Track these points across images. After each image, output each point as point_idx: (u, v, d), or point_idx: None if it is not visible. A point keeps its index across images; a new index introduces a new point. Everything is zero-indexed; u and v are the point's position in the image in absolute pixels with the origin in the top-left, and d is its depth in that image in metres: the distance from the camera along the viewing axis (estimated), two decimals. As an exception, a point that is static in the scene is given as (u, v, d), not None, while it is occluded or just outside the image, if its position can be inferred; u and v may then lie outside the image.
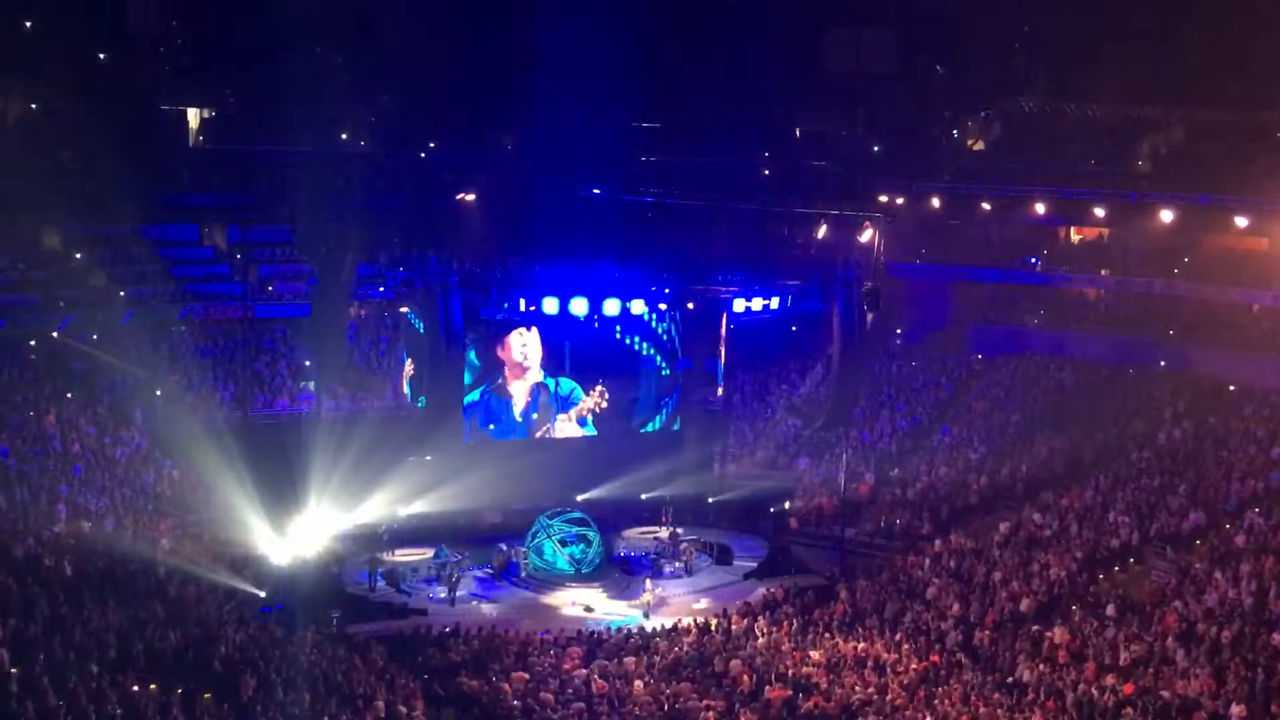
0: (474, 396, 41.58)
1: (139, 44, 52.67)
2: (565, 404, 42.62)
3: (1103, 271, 50.81)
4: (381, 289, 44.49)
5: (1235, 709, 24.63)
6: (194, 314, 44.52)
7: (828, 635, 32.11)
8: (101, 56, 51.85)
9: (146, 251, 45.36)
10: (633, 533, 41.64)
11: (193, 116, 54.36)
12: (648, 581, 37.30)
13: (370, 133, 54.23)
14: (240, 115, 53.97)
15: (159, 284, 44.31)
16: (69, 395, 39.60)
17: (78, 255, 42.96)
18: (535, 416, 42.29)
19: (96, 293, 42.05)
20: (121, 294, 42.57)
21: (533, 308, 40.65)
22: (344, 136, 52.65)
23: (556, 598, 37.40)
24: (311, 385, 43.98)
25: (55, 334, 40.56)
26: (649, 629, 33.54)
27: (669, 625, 33.58)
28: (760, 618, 33.76)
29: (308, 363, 44.74)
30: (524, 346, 41.73)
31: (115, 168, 40.42)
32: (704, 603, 37.06)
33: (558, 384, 42.48)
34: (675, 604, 36.80)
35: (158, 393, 41.34)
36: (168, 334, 43.44)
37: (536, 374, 42.15)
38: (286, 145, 47.78)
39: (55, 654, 22.59)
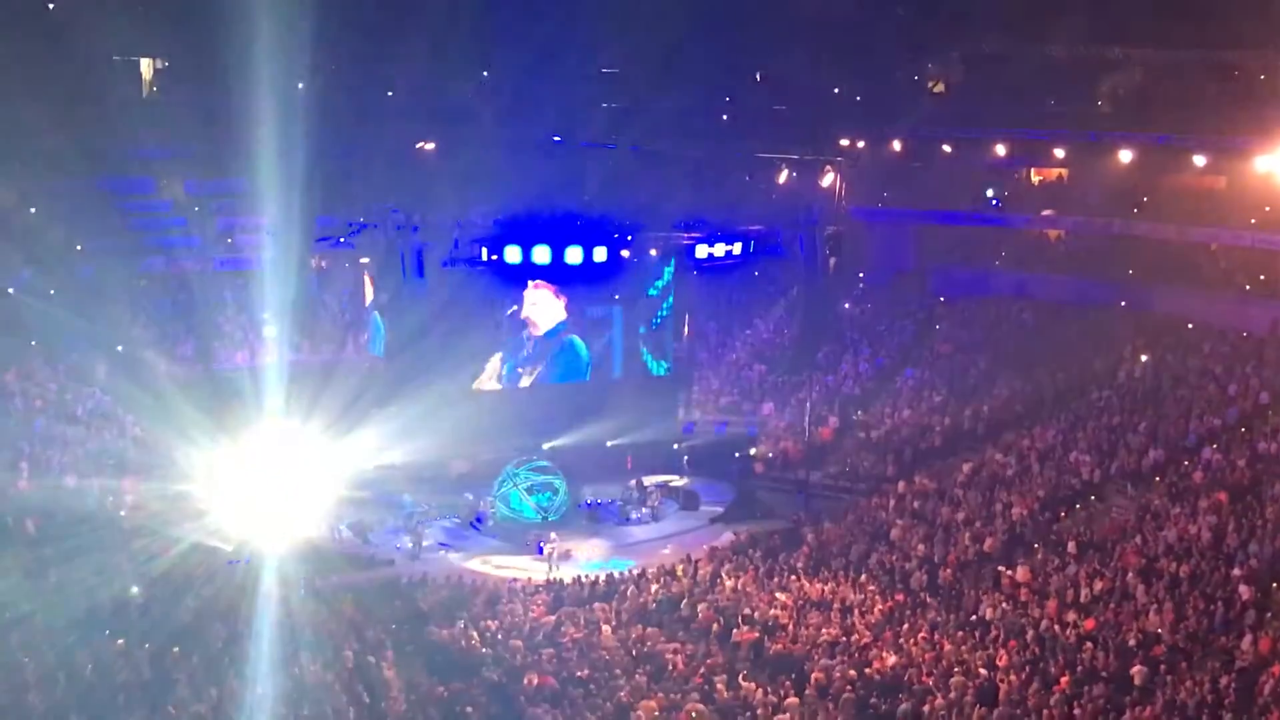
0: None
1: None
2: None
3: (1058, 212, 50.95)
4: (342, 239, 44.08)
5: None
6: (153, 267, 44.12)
7: (794, 578, 32.38)
8: (50, 6, 50.82)
9: (104, 205, 44.71)
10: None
11: (145, 66, 53.47)
12: (552, 534, 36.59)
13: (328, 81, 53.41)
14: (193, 64, 53.01)
15: (117, 238, 43.81)
16: (29, 352, 39.21)
17: (33, 210, 42.35)
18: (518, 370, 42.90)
19: (54, 248, 41.52)
20: (79, 248, 42.08)
21: (494, 256, 40.23)
22: (300, 85, 51.89)
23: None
24: (273, 336, 43.70)
25: (10, 290, 40.06)
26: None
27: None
28: (727, 562, 34.02)
29: (268, 315, 44.39)
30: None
31: (69, 121, 39.78)
32: (670, 548, 37.27)
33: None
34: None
35: (119, 348, 41.00)
36: (127, 288, 43.04)
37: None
38: (242, 94, 47.05)
39: (20, 611, 22.57)
